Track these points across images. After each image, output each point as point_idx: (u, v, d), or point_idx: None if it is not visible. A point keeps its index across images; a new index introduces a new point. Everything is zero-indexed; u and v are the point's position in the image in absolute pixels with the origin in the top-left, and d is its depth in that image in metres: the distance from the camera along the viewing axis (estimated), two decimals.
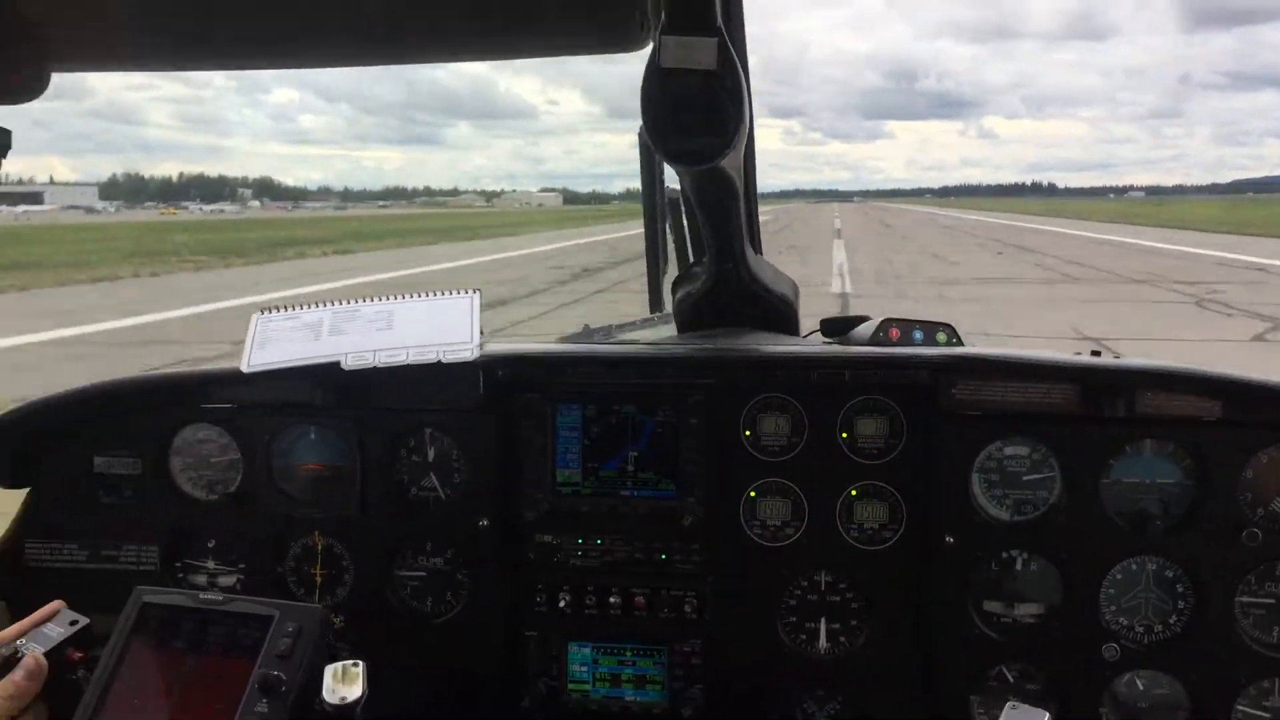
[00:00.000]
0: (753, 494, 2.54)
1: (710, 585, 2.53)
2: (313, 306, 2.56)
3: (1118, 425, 2.34)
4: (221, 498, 2.67)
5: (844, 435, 2.51)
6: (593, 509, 2.56)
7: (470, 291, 2.55)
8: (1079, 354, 2.47)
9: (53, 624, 1.88)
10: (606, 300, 21.86)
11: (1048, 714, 1.74)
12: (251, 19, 1.56)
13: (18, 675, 1.72)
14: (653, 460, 2.55)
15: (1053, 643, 2.38)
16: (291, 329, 2.50)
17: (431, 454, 2.61)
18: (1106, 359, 2.43)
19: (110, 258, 36.03)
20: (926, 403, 2.44)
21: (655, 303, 3.18)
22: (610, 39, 1.72)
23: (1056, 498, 2.38)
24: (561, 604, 2.56)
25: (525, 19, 1.67)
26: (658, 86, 2.00)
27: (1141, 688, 2.35)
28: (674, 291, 3.08)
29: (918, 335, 2.58)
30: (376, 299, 2.57)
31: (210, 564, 2.68)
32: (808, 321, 3.03)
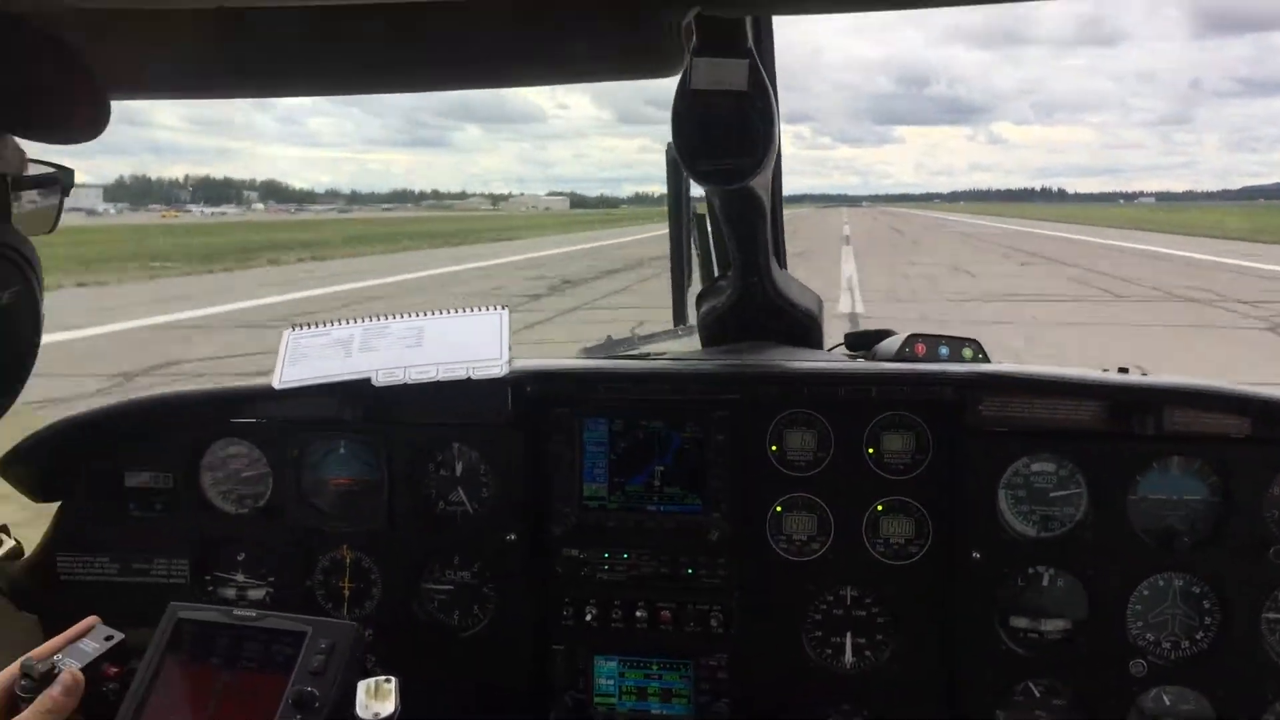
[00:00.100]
0: (779, 509, 2.55)
1: (736, 600, 2.54)
2: (343, 323, 2.59)
3: (1145, 442, 2.35)
4: (251, 511, 2.69)
5: (870, 451, 2.52)
6: (619, 524, 2.57)
7: (499, 308, 2.57)
8: (1106, 371, 2.48)
9: (88, 639, 1.90)
10: (575, 321, 19.11)
11: None
12: (308, 47, 1.58)
13: (55, 691, 1.74)
14: (679, 475, 2.56)
15: (1079, 658, 2.39)
16: (322, 345, 2.52)
17: (459, 468, 2.63)
18: (1134, 376, 2.44)
19: (69, 265, 32.36)
20: (953, 419, 2.45)
21: (679, 315, 3.20)
22: (646, 64, 1.73)
23: (1083, 514, 2.39)
24: (588, 618, 2.58)
25: (562, 47, 1.68)
26: (689, 107, 2.02)
27: (1168, 703, 2.36)
28: (698, 305, 3.10)
29: (943, 351, 2.59)
30: (406, 315, 2.59)
31: (239, 577, 2.71)
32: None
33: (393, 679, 1.79)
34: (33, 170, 1.25)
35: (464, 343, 2.49)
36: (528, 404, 2.58)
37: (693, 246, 3.09)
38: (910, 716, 2.54)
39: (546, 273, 32.50)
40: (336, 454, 2.65)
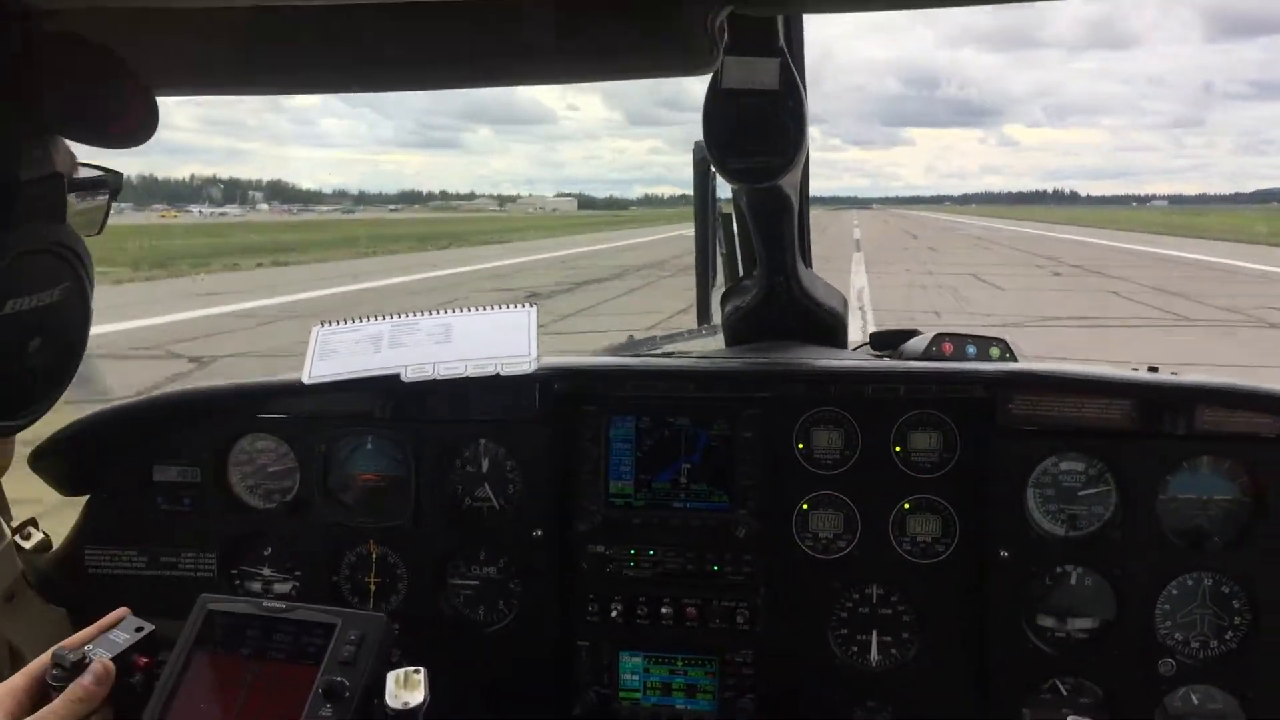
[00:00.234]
0: (805, 507, 2.56)
1: (762, 597, 2.54)
2: (373, 319, 2.60)
3: (1176, 441, 2.35)
4: (278, 506, 2.70)
5: (897, 449, 2.52)
6: (645, 521, 2.58)
7: (528, 305, 2.58)
8: (1136, 370, 2.47)
9: (118, 630, 1.91)
10: None
11: None
12: (344, 44, 1.59)
13: (86, 680, 1.75)
14: (706, 473, 2.57)
15: (1106, 657, 2.38)
16: (352, 341, 2.53)
17: (486, 465, 2.64)
18: (1165, 375, 2.43)
19: None
20: (982, 418, 2.44)
21: (703, 315, 3.21)
22: (678, 62, 1.74)
23: (1112, 513, 2.39)
24: (613, 614, 2.58)
25: (595, 44, 1.69)
26: (721, 106, 2.03)
27: (1196, 703, 2.36)
28: (723, 304, 3.10)
29: (971, 350, 2.59)
30: (435, 312, 2.60)
31: (266, 571, 2.72)
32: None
33: (422, 669, 1.79)
34: (82, 173, 1.27)
35: (492, 339, 2.50)
36: (555, 401, 2.59)
37: (718, 246, 3.10)
38: (936, 715, 2.54)
39: (513, 284, 28.95)
40: (363, 449, 2.66)
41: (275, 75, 1.68)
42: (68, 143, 1.22)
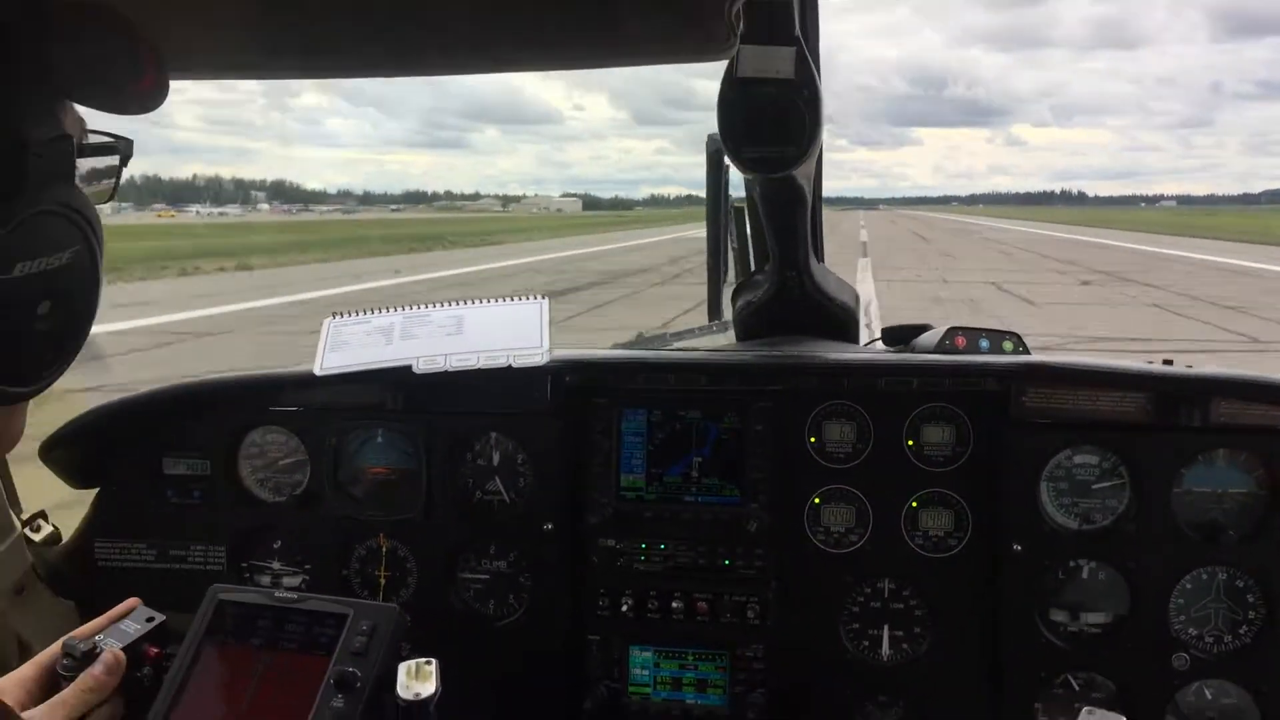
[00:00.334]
0: (817, 500, 2.55)
1: (774, 591, 2.53)
2: (384, 311, 2.60)
3: (1191, 434, 2.33)
4: (289, 499, 2.70)
5: (910, 443, 2.51)
6: (656, 514, 2.57)
7: (540, 297, 2.57)
8: (1150, 362, 2.45)
9: (129, 620, 1.91)
10: None
11: (1124, 718, 1.73)
12: (361, 27, 1.59)
13: (97, 669, 1.75)
14: (717, 466, 2.56)
15: (1120, 651, 2.37)
16: (364, 333, 2.53)
17: (497, 458, 2.63)
18: (1180, 368, 2.42)
19: None
20: (995, 411, 2.43)
21: (714, 310, 3.20)
22: (697, 48, 1.74)
23: (1126, 507, 2.37)
24: (624, 608, 2.57)
25: (613, 30, 1.69)
26: (736, 94, 2.02)
27: (1210, 697, 2.34)
28: (734, 300, 3.09)
29: (984, 344, 2.58)
30: (447, 304, 2.59)
31: (276, 564, 2.72)
32: None
33: (433, 660, 1.79)
34: (91, 140, 1.27)
35: (504, 331, 2.50)
36: (567, 393, 2.58)
37: (729, 242, 3.09)
38: (948, 709, 2.52)
39: (472, 295, 25.72)
40: (374, 442, 2.66)
41: (285, 59, 1.68)
42: (77, 108, 1.21)
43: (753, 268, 3.08)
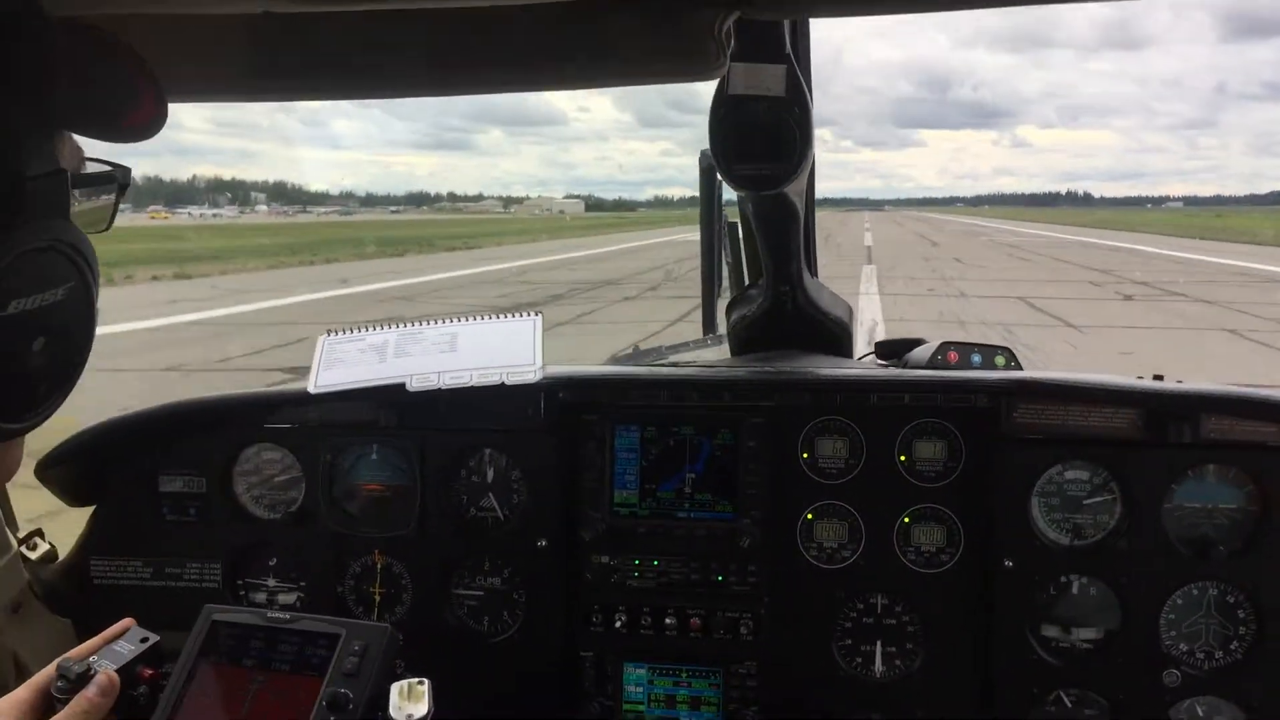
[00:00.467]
0: (810, 516, 2.55)
1: (766, 607, 2.54)
2: (378, 328, 2.61)
3: (1181, 450, 2.34)
4: (284, 517, 2.71)
5: (902, 458, 2.51)
6: (650, 530, 2.57)
7: (534, 314, 2.58)
8: (1141, 378, 2.46)
9: (124, 641, 1.91)
10: None
11: None
12: (355, 51, 1.60)
13: (91, 692, 1.75)
14: (710, 482, 2.56)
15: (1112, 668, 2.37)
16: (358, 350, 2.54)
17: (490, 475, 2.64)
18: (1170, 384, 2.42)
19: None
20: (987, 426, 2.44)
21: (709, 325, 3.20)
22: (687, 67, 1.74)
23: (1117, 522, 2.38)
24: (617, 624, 2.58)
25: (604, 50, 1.69)
26: (727, 112, 2.03)
27: (1202, 714, 2.34)
28: (729, 314, 3.10)
29: (976, 359, 2.59)
30: (441, 321, 2.60)
31: (271, 582, 2.72)
32: None
33: (426, 681, 1.79)
34: (90, 169, 1.27)
35: (498, 348, 2.51)
36: (560, 410, 2.59)
37: (724, 256, 3.10)
38: None
39: (416, 311, 21.18)
40: (369, 459, 2.67)
41: (284, 82, 1.68)
42: (75, 138, 1.22)
43: (746, 281, 3.09)
